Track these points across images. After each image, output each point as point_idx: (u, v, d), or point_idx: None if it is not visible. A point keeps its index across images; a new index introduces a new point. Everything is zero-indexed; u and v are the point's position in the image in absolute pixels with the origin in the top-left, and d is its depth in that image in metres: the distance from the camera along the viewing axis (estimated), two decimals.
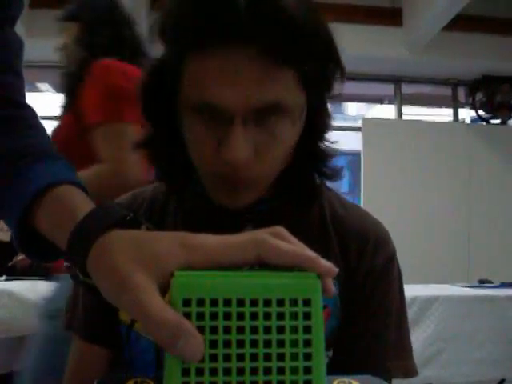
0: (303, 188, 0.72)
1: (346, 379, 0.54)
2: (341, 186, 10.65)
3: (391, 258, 0.73)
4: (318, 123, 0.68)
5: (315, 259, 0.38)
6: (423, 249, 4.28)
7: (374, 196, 4.48)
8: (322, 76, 0.64)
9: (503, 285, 2.83)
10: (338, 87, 0.69)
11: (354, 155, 7.44)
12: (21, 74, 0.65)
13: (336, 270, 0.39)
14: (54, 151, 0.60)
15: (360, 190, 4.64)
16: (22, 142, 0.58)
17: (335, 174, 0.72)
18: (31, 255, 0.56)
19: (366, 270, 0.71)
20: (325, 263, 0.38)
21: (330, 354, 0.73)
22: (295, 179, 0.71)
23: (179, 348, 0.33)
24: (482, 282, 3.02)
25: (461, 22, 4.18)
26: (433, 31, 4.18)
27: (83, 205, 0.48)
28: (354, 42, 4.40)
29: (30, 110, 0.64)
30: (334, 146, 0.71)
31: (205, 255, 0.38)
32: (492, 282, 2.97)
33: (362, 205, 4.17)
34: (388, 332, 0.72)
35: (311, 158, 0.70)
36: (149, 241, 0.40)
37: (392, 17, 4.54)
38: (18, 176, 0.54)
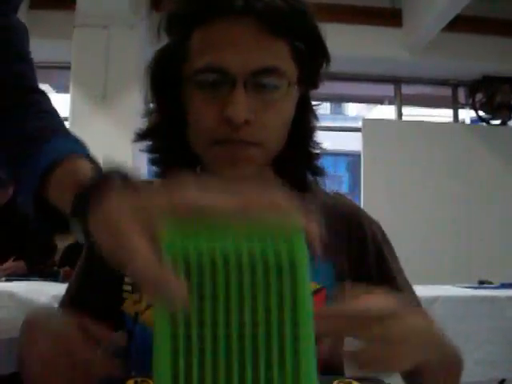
0: (294, 181, 0.76)
1: (346, 379, 0.54)
2: (341, 187, 10.66)
3: (380, 227, 0.81)
4: (304, 119, 0.75)
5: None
6: (423, 249, 4.28)
7: (373, 197, 4.48)
8: (310, 54, 0.70)
9: (503, 285, 2.83)
10: (325, 84, 0.76)
11: (354, 156, 7.44)
12: (30, 60, 0.68)
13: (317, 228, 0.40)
14: (64, 130, 0.65)
15: (360, 191, 4.64)
16: (35, 124, 0.62)
17: (320, 171, 0.79)
18: (47, 228, 0.60)
19: (372, 239, 0.77)
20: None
21: None
22: (287, 172, 0.76)
23: (163, 290, 0.35)
24: (482, 283, 3.02)
25: (461, 23, 4.18)
26: (433, 32, 4.18)
27: (87, 171, 0.53)
28: (354, 43, 4.40)
29: (43, 95, 0.67)
30: (322, 147, 0.78)
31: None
32: (492, 283, 2.97)
33: (361, 205, 4.17)
34: (409, 288, 0.78)
35: (301, 153, 0.76)
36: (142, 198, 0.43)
37: (392, 17, 4.54)
38: (31, 155, 0.58)
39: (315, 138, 0.77)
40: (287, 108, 0.70)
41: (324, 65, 0.74)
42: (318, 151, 0.77)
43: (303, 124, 0.75)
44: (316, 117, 0.78)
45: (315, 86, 0.75)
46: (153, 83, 0.73)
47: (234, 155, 0.67)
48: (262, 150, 0.69)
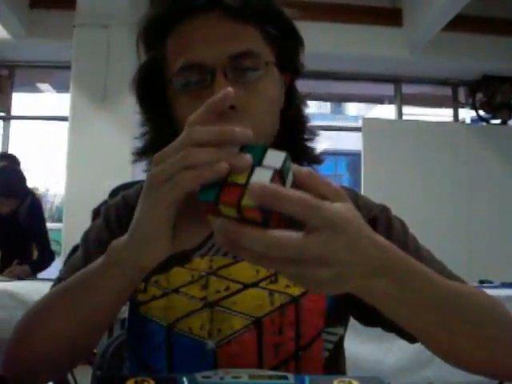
0: None
1: (346, 379, 0.54)
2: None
3: (385, 207, 0.81)
4: (293, 108, 0.76)
5: None
6: None
7: (373, 196, 4.42)
8: (282, 37, 0.71)
9: (503, 285, 2.84)
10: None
11: (354, 155, 7.45)
12: None
13: None
14: None
15: (360, 190, 4.64)
16: None
17: (316, 159, 0.78)
18: None
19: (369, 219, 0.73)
20: None
21: (340, 331, 0.73)
22: None
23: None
24: (482, 282, 3.02)
25: (461, 22, 4.17)
26: (433, 31, 4.18)
27: None
28: (354, 42, 4.40)
29: None
30: (317, 133, 0.78)
31: None
32: (492, 282, 2.97)
33: None
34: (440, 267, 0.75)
35: (294, 142, 0.76)
36: None
37: (392, 17, 4.54)
38: None
39: (309, 127, 0.77)
40: (270, 89, 0.70)
41: (300, 49, 0.74)
42: (312, 138, 0.77)
43: (293, 112, 0.75)
44: (306, 105, 0.78)
45: (297, 72, 0.76)
46: (140, 97, 0.74)
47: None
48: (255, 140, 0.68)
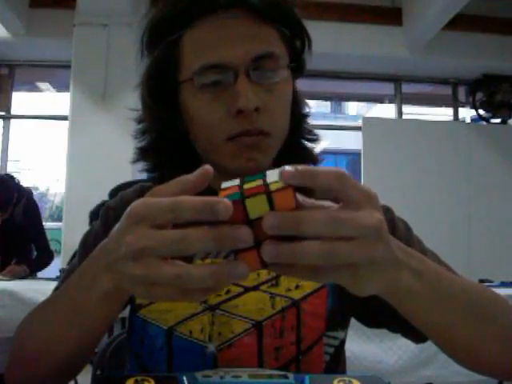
0: None
1: (346, 378, 0.54)
2: None
3: (388, 209, 0.80)
4: (297, 107, 0.75)
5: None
6: None
7: None
8: (294, 38, 0.71)
9: (503, 284, 2.84)
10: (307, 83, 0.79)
11: (354, 154, 7.44)
12: None
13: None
14: None
15: None
16: None
17: (315, 159, 0.78)
18: None
19: None
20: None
21: (341, 335, 0.73)
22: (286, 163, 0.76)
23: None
24: (482, 282, 3.01)
25: (461, 22, 4.17)
26: (433, 30, 4.18)
27: None
28: (354, 41, 4.40)
29: None
30: (316, 134, 0.78)
31: None
32: (492, 282, 2.97)
33: None
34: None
35: (297, 142, 0.76)
36: None
37: (392, 16, 4.54)
38: None
39: (309, 127, 0.78)
40: (288, 91, 0.70)
41: (308, 50, 0.74)
42: (314, 139, 0.78)
43: (297, 112, 0.75)
44: (307, 104, 0.78)
45: (302, 72, 0.76)
46: (149, 95, 0.72)
47: (251, 147, 0.66)
48: (274, 141, 0.68)
